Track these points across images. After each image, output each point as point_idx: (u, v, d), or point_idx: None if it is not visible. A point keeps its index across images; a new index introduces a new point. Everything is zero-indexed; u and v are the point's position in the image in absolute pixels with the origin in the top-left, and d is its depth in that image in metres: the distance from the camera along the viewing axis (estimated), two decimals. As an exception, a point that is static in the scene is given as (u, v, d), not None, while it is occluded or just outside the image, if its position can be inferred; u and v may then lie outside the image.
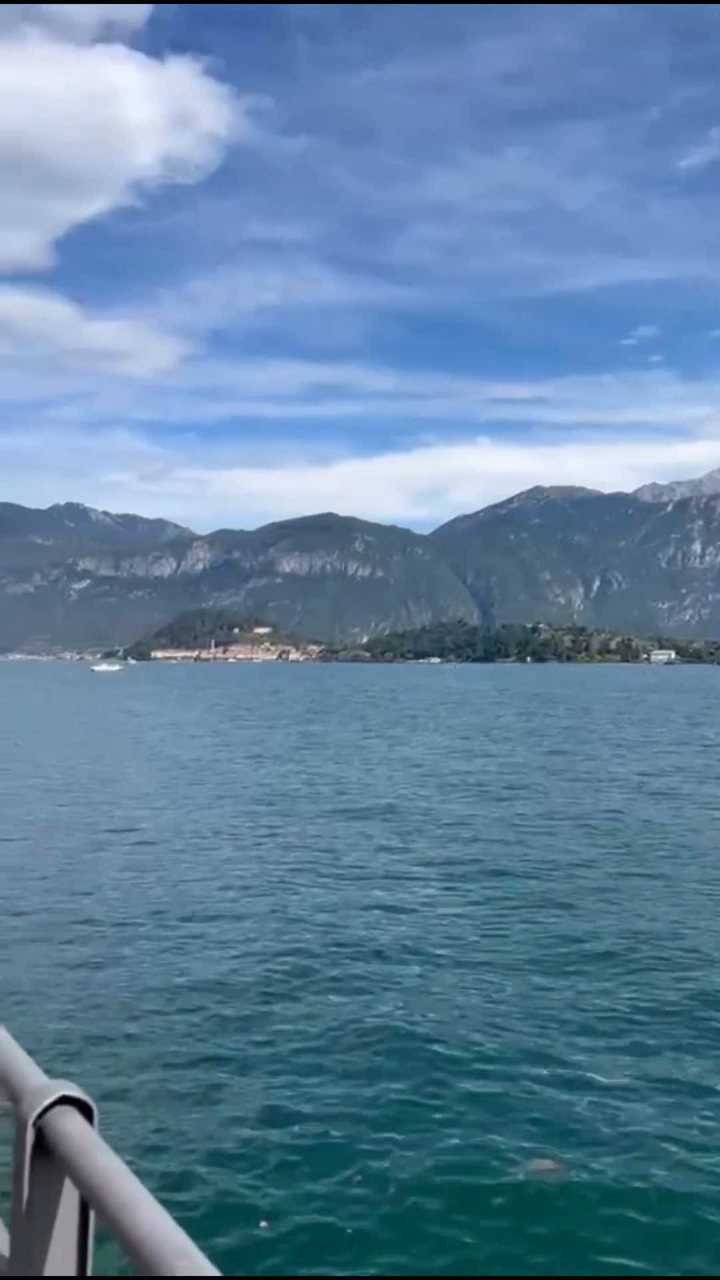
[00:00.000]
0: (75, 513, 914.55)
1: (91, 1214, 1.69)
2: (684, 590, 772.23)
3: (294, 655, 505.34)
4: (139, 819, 23.93)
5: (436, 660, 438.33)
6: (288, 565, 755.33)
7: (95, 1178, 1.52)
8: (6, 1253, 1.85)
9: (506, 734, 52.28)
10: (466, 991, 11.48)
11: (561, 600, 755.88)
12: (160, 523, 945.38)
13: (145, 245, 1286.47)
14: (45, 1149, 1.66)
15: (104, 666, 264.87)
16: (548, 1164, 7.58)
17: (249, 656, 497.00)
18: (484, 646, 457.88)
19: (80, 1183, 1.58)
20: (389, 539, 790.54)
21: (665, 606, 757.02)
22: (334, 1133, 8.09)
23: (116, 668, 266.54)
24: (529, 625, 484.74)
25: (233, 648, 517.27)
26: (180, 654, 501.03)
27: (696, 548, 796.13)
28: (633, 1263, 6.45)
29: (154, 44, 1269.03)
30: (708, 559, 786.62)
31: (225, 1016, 10.70)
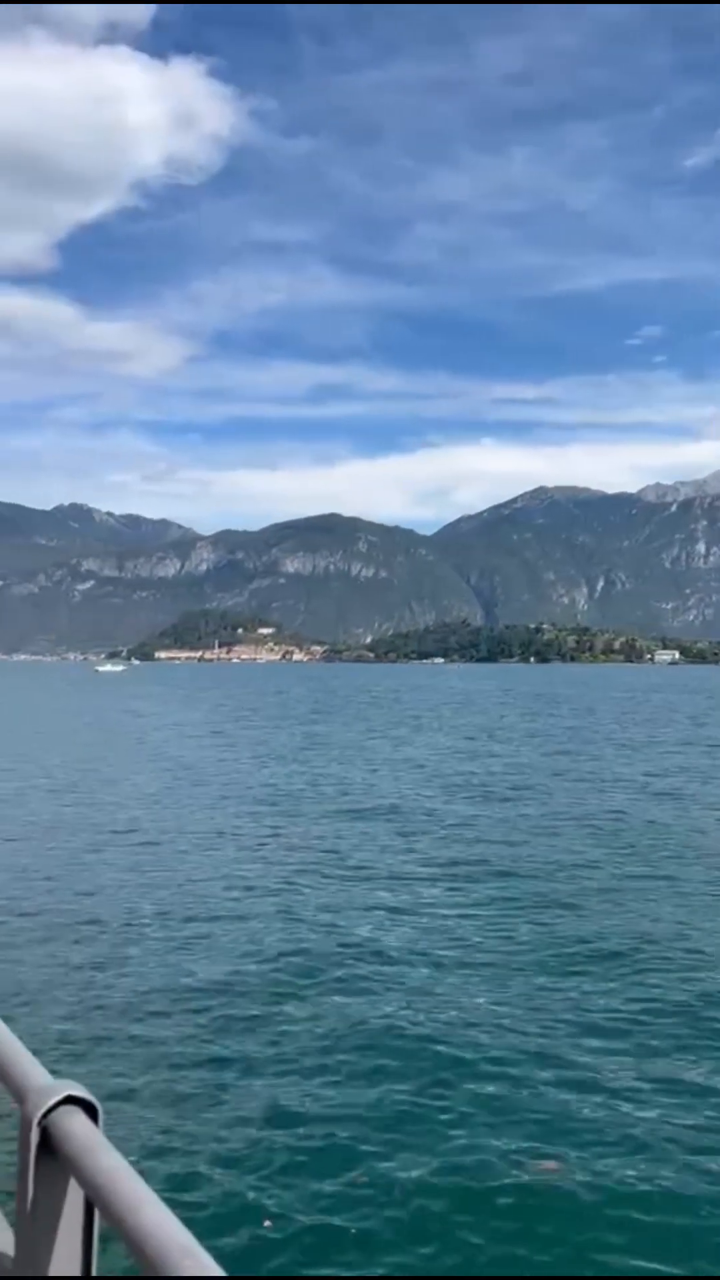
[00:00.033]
0: (79, 513, 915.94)
1: (96, 1213, 1.68)
2: (688, 590, 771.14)
3: (298, 656, 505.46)
4: (143, 819, 23.95)
5: (440, 660, 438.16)
6: (291, 566, 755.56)
7: (100, 1177, 1.52)
8: (11, 1252, 1.86)
9: (510, 734, 52.23)
10: (471, 992, 11.48)
11: (565, 600, 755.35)
12: (164, 523, 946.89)
13: (149, 246, 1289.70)
14: (50, 1148, 1.66)
15: (108, 667, 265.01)
16: (551, 1165, 7.58)
17: (253, 657, 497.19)
18: (488, 647, 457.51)
19: (85, 1182, 1.58)
20: (393, 539, 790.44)
21: (669, 607, 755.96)
22: (338, 1133, 8.09)
23: (120, 668, 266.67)
24: (533, 625, 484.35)
25: (236, 648, 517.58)
26: (184, 654, 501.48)
27: (701, 548, 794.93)
28: (636, 1263, 6.45)
29: (158, 45, 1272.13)
30: (712, 559, 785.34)
31: (230, 1017, 10.71)
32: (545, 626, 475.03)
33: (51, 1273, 1.70)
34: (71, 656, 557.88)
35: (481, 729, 56.18)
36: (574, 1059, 9.51)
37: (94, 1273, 1.74)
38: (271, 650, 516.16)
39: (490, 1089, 8.87)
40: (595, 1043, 9.93)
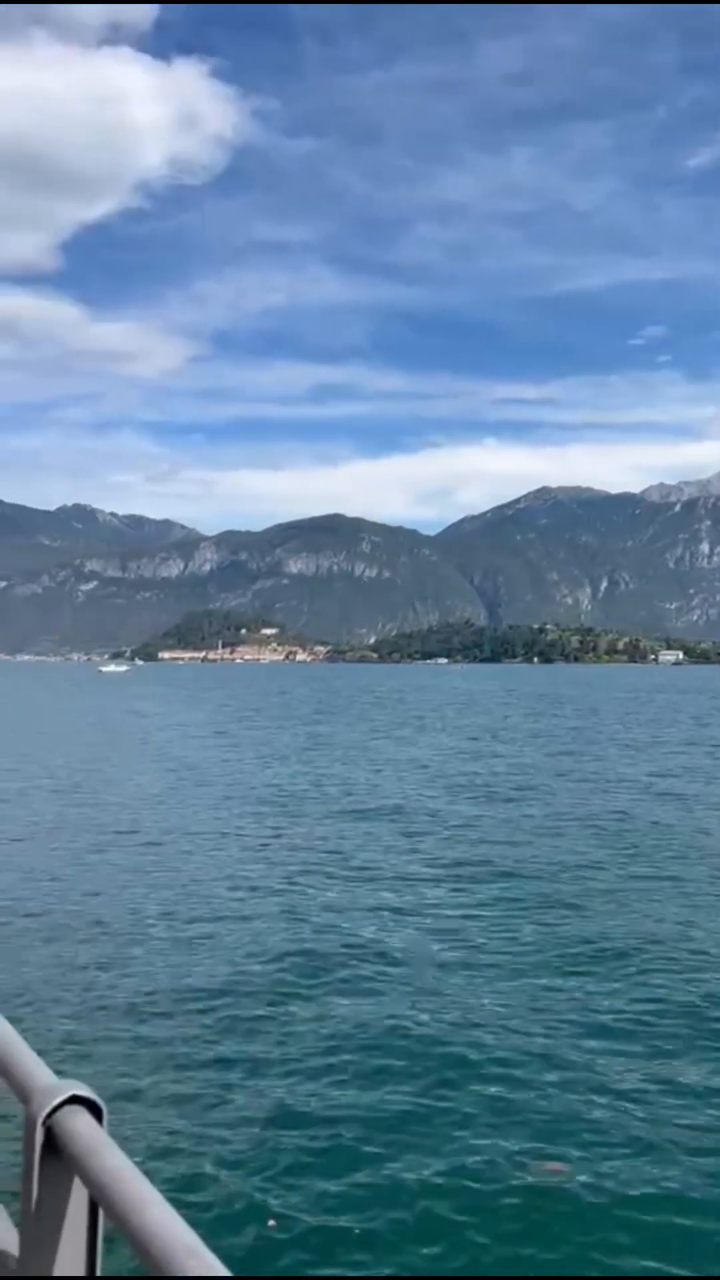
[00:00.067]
0: (82, 514, 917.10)
1: (101, 1213, 1.69)
2: (692, 590, 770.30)
3: (301, 656, 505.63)
4: (147, 819, 23.98)
5: (444, 661, 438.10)
6: (295, 566, 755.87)
7: (105, 1177, 1.52)
8: (16, 1252, 1.87)
9: (514, 735, 52.21)
10: (475, 993, 11.48)
11: (569, 601, 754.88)
12: (167, 523, 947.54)
13: (152, 246, 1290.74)
14: (55, 1148, 1.66)
15: (111, 667, 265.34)
16: (557, 1166, 7.58)
17: (256, 657, 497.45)
18: (491, 647, 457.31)
19: (90, 1182, 1.58)
20: (396, 539, 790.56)
21: (673, 607, 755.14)
22: (343, 1134, 8.10)
23: (124, 669, 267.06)
24: (536, 626, 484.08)
25: (240, 648, 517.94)
26: (187, 655, 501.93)
27: (704, 548, 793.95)
28: (640, 1265, 6.45)
29: (160, 45, 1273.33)
30: (716, 559, 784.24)
31: (234, 1017, 10.72)
32: (549, 627, 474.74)
33: (56, 1273, 1.70)
34: (75, 657, 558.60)
35: (485, 729, 56.16)
36: (579, 1060, 9.50)
37: (99, 1273, 1.74)
38: (275, 651, 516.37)
39: (495, 1090, 8.87)
40: (600, 1044, 9.93)
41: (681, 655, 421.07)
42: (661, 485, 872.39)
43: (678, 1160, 7.66)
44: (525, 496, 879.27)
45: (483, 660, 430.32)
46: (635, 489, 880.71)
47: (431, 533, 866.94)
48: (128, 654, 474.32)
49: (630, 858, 19.30)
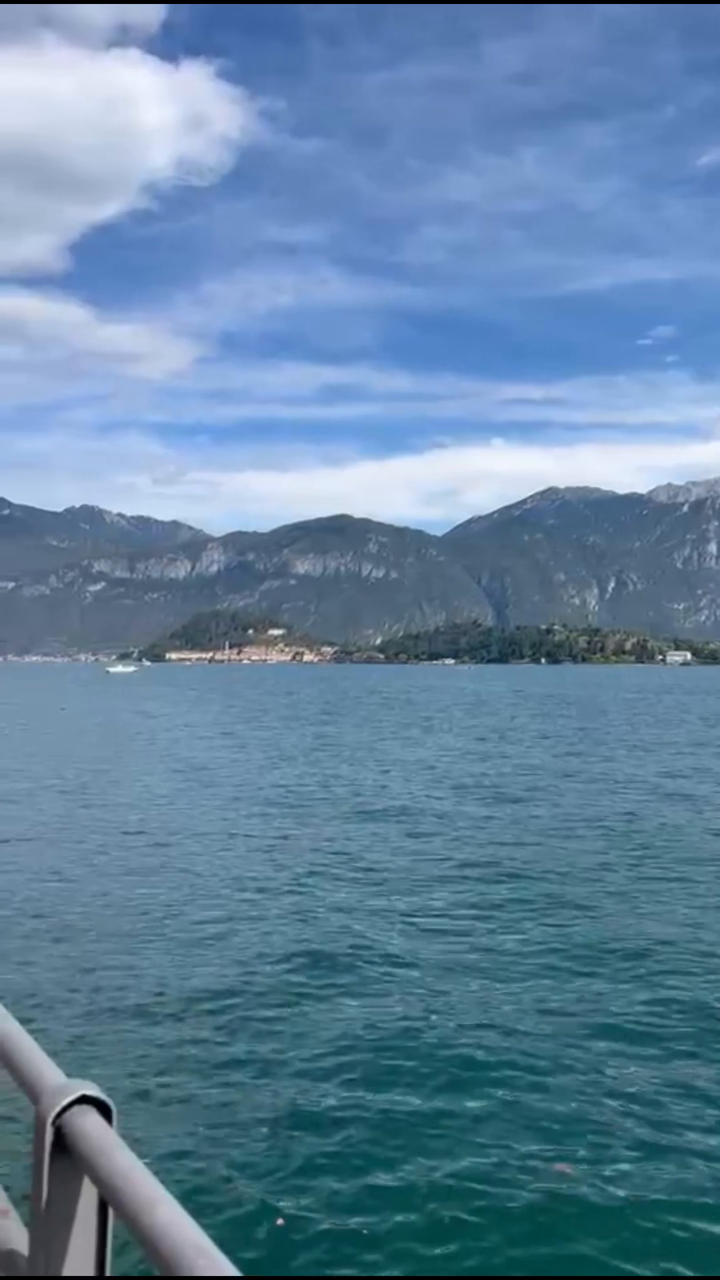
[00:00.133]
0: (90, 515, 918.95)
1: (110, 1212, 1.69)
2: (700, 591, 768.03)
3: (308, 656, 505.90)
4: (155, 820, 24.01)
5: (451, 661, 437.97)
6: (302, 567, 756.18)
7: (114, 1176, 1.53)
8: (26, 1251, 1.87)
9: (522, 736, 52.14)
10: (484, 995, 11.47)
11: (576, 601, 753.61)
12: (174, 525, 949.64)
13: (159, 248, 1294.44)
14: (64, 1148, 1.67)
15: (119, 668, 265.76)
16: (566, 1168, 7.56)
17: (263, 658, 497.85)
18: (498, 648, 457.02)
19: (99, 1181, 1.59)
20: (403, 540, 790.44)
21: (681, 607, 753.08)
22: (352, 1135, 8.10)
23: (131, 669, 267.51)
24: (543, 626, 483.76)
25: (247, 649, 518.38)
26: (195, 655, 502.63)
27: (712, 548, 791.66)
28: (647, 1266, 6.44)
29: (168, 47, 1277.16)
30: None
31: (243, 1018, 10.73)
32: (556, 627, 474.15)
33: (66, 1271, 1.71)
34: (83, 657, 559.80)
35: (493, 730, 56.10)
36: (588, 1062, 9.48)
37: (108, 1272, 1.75)
38: (282, 651, 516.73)
39: (504, 1092, 8.86)
40: (610, 1046, 9.90)
41: (689, 656, 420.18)
42: (669, 485, 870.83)
43: (688, 1163, 7.64)
44: (532, 497, 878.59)
45: (490, 661, 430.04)
46: (643, 489, 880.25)
47: (438, 533, 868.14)
48: (135, 655, 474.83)
49: (639, 859, 19.25)
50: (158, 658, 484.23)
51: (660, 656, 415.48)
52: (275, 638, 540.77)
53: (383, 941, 13.60)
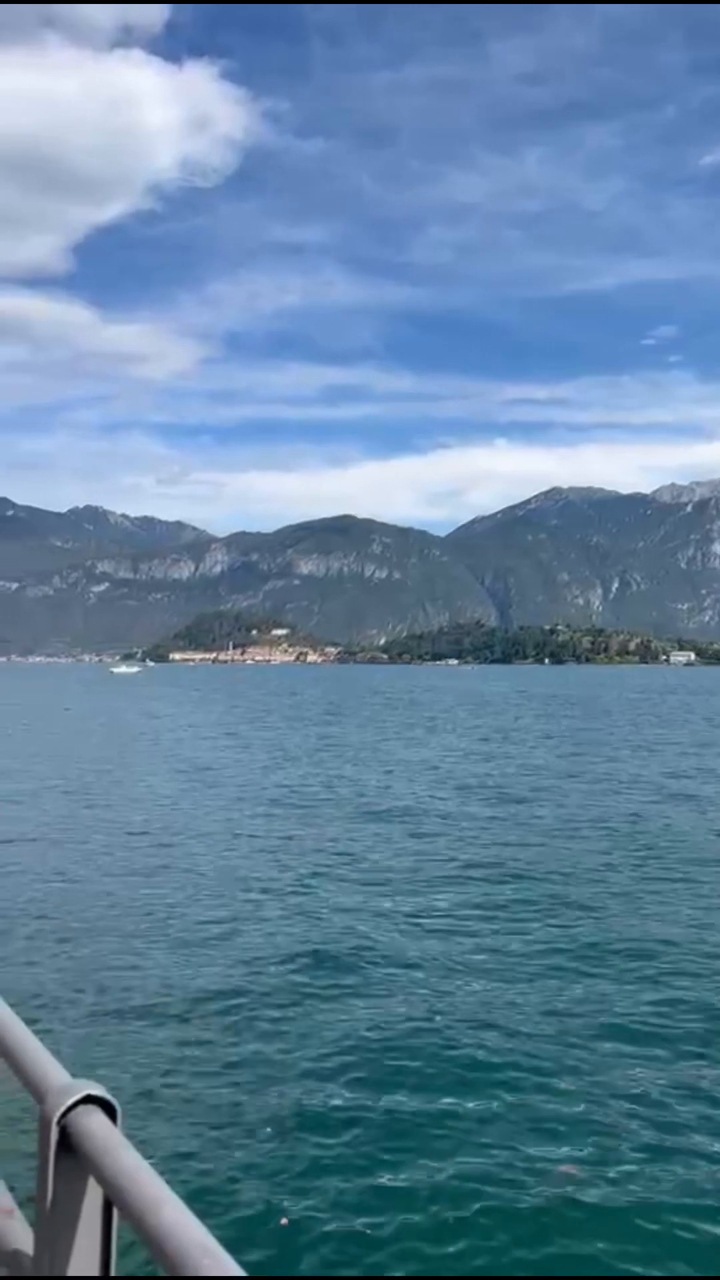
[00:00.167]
0: (94, 515, 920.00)
1: (115, 1212, 1.69)
2: (704, 591, 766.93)
3: (311, 657, 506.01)
4: (159, 820, 24.03)
5: (454, 662, 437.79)
6: (305, 567, 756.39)
7: (119, 1176, 1.53)
8: (31, 1251, 1.87)
9: (525, 736, 52.12)
10: (488, 996, 11.46)
11: (580, 601, 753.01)
12: (178, 525, 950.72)
13: (164, 248, 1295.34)
14: (69, 1147, 1.67)
15: (123, 668, 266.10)
16: (570, 1169, 7.56)
17: (267, 658, 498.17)
18: (502, 648, 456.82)
19: (104, 1181, 1.59)
20: (406, 540, 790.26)
21: (684, 607, 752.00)
22: (357, 1136, 8.10)
23: (135, 669, 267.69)
24: (547, 627, 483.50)
25: (250, 649, 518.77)
26: (198, 656, 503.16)
27: (717, 548, 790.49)
28: (651, 1267, 6.45)
29: (171, 48, 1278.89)
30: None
31: (247, 1019, 10.74)
32: (560, 628, 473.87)
33: (71, 1271, 1.71)
34: (87, 658, 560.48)
35: (496, 730, 56.07)
36: (592, 1063, 9.48)
37: (113, 1271, 1.75)
38: (286, 651, 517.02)
39: (508, 1093, 8.86)
40: (614, 1047, 9.90)
41: (693, 656, 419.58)
42: (673, 485, 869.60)
43: (694, 1164, 7.64)
44: (536, 497, 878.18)
45: (493, 661, 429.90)
46: (646, 489, 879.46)
47: (442, 534, 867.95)
48: (139, 655, 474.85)
49: (643, 860, 19.23)
50: (161, 658, 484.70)
51: (664, 657, 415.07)
52: (279, 638, 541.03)
53: (387, 942, 13.60)
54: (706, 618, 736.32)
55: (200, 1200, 6.79)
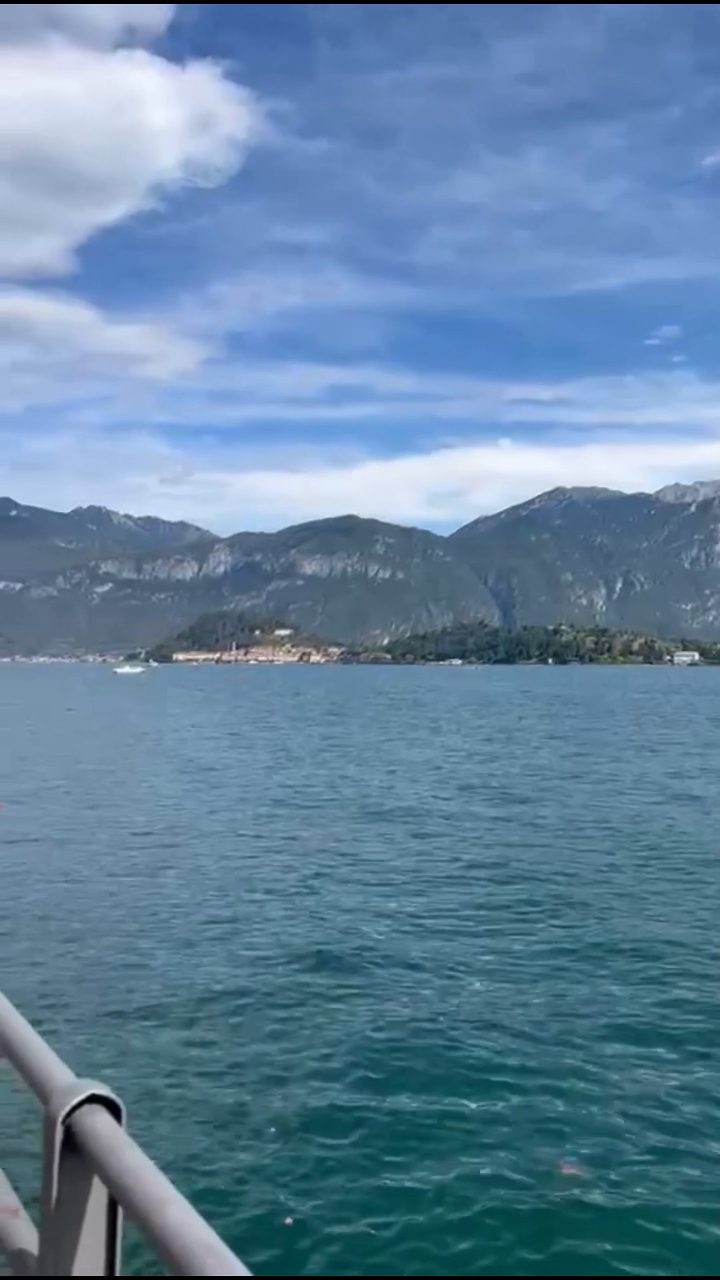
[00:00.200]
0: (97, 516, 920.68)
1: (120, 1211, 1.69)
2: (707, 591, 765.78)
3: (315, 657, 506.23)
4: (162, 821, 24.06)
5: (458, 662, 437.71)
6: (309, 567, 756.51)
7: (124, 1176, 1.53)
8: (36, 1250, 1.88)
9: (529, 736, 52.10)
10: (492, 997, 11.46)
11: (583, 601, 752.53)
12: (181, 525, 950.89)
13: (166, 249, 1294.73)
14: (74, 1147, 1.67)
15: (126, 669, 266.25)
16: (575, 1170, 7.56)
17: (270, 658, 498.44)
18: (505, 648, 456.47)
19: (109, 1180, 1.59)
20: (410, 541, 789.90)
21: (688, 608, 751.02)
22: (361, 1136, 8.11)
23: (139, 670, 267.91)
24: (551, 627, 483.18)
25: (254, 650, 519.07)
26: (202, 656, 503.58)
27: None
28: (654, 1267, 6.44)
29: (175, 48, 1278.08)
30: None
31: (252, 1019, 10.75)
32: (563, 628, 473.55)
33: (76, 1271, 1.71)
34: (90, 658, 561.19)
35: (500, 731, 56.06)
36: (597, 1064, 9.48)
37: (117, 1271, 1.75)
38: (289, 652, 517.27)
39: (512, 1094, 8.86)
40: (619, 1048, 9.89)
41: (697, 656, 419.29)
42: (677, 485, 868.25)
43: (699, 1165, 7.63)
44: (539, 497, 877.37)
45: (497, 661, 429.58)
46: (650, 489, 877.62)
47: (445, 534, 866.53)
48: (142, 656, 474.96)
49: (647, 860, 19.21)
50: (165, 659, 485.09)
51: (668, 657, 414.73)
52: (282, 638, 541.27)
53: (391, 942, 13.61)
54: (710, 618, 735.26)
55: (205, 1200, 6.75)
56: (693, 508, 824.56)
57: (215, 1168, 7.59)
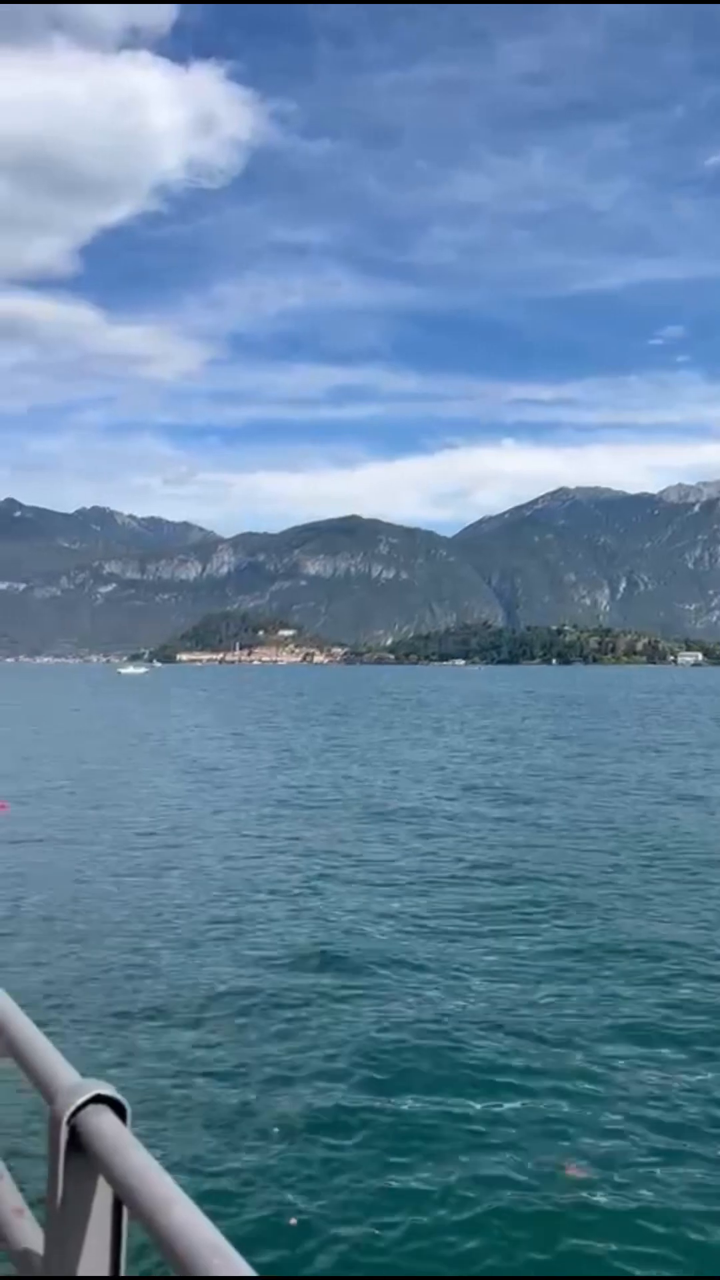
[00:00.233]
0: (101, 516, 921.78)
1: (125, 1211, 1.69)
2: (711, 591, 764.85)
3: (318, 657, 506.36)
4: (166, 821, 24.08)
5: (461, 662, 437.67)
6: (312, 568, 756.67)
7: (129, 1175, 1.53)
8: (41, 1250, 1.87)
9: (533, 736, 52.06)
10: (496, 997, 11.46)
11: (587, 602, 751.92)
12: (185, 526, 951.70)
13: (170, 250, 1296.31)
14: (79, 1147, 1.67)
15: (130, 669, 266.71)
16: (579, 1171, 7.56)
17: (274, 659, 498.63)
18: (509, 648, 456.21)
19: (114, 1180, 1.59)
20: (413, 541, 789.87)
21: (692, 608, 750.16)
22: (367, 1137, 8.11)
23: (142, 670, 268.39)
24: (554, 627, 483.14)
25: (257, 650, 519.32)
26: (205, 656, 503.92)
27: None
28: (656, 1266, 6.44)
29: (178, 49, 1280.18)
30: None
31: (256, 1019, 10.75)
32: (567, 628, 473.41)
33: (81, 1271, 1.71)
34: (94, 659, 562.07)
35: (504, 731, 56.03)
36: (601, 1065, 9.47)
37: (123, 1271, 1.75)
38: (292, 652, 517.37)
39: (516, 1095, 8.85)
40: (624, 1049, 9.88)
41: (700, 656, 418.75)
42: (680, 486, 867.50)
43: (702, 1166, 7.62)
44: (543, 497, 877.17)
45: (500, 662, 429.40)
46: (654, 489, 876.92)
47: (449, 534, 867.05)
48: (146, 656, 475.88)
49: (651, 861, 19.19)
50: (168, 659, 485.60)
51: (671, 657, 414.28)
52: (285, 639, 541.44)
53: (395, 943, 13.61)
54: (714, 618, 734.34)
55: (210, 1200, 6.74)
56: (696, 508, 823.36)
57: (220, 1168, 7.60)
